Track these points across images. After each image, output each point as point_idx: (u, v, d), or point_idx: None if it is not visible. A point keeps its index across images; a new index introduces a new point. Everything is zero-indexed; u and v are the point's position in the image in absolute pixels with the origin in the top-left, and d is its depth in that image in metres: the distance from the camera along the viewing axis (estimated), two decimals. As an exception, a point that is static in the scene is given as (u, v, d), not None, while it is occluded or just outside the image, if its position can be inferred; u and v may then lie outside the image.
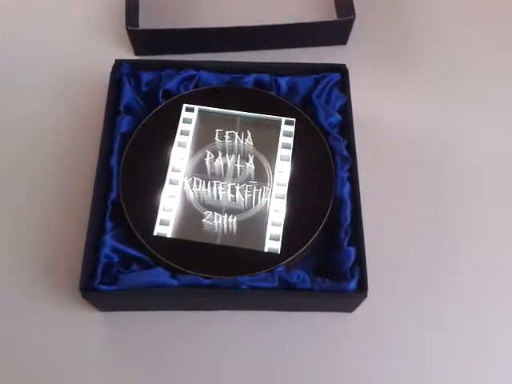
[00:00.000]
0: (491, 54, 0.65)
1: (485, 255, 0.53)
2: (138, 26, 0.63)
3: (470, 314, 0.50)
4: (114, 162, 0.51)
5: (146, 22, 0.65)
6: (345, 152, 0.52)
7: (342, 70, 0.56)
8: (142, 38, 0.62)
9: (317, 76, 0.56)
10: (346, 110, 0.54)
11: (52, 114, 0.59)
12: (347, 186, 0.50)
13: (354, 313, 0.50)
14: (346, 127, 0.53)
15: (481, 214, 0.55)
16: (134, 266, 0.47)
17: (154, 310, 0.49)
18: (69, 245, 0.50)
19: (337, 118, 0.54)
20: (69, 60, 0.63)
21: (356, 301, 0.47)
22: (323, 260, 0.49)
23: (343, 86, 0.55)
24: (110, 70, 0.56)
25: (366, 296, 0.45)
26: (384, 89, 0.62)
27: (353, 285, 0.45)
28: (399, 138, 0.59)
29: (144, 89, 0.56)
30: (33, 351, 0.48)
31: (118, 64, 0.55)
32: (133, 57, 0.64)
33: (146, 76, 0.56)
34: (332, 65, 0.56)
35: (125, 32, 0.60)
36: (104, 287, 0.45)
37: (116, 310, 0.48)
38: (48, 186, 0.54)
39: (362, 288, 0.45)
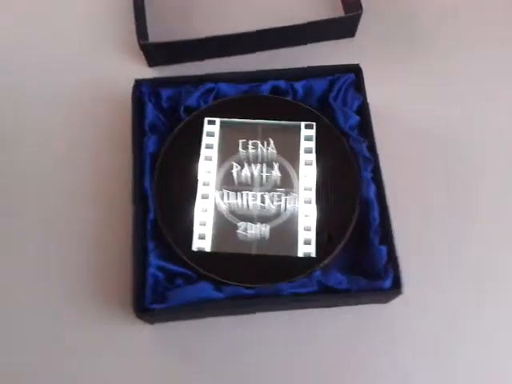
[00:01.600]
0: (504, 37, 0.65)
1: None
2: (147, 37, 0.64)
3: (508, 301, 0.53)
4: (147, 183, 0.53)
5: (153, 31, 0.66)
6: (366, 153, 0.54)
7: (355, 70, 0.57)
8: (154, 51, 0.63)
9: (331, 78, 0.57)
10: (363, 111, 0.56)
11: (72, 135, 0.60)
12: (372, 187, 0.52)
13: (389, 303, 0.53)
14: (365, 128, 0.55)
15: (510, 201, 0.56)
16: (179, 281, 0.50)
17: (200, 318, 0.52)
18: (114, 267, 0.53)
19: (355, 119, 0.55)
20: (81, 78, 0.63)
21: (392, 297, 0.49)
22: (355, 259, 0.52)
23: (358, 85, 0.57)
24: (125, 84, 0.57)
25: (401, 293, 0.48)
26: (396, 79, 0.63)
27: (388, 283, 0.48)
28: (417, 128, 0.60)
29: (165, 105, 0.57)
30: (91, 368, 0.51)
31: (138, 84, 0.56)
32: (146, 68, 0.65)
33: (166, 92, 0.57)
34: (345, 66, 0.57)
35: (135, 43, 0.61)
36: (155, 306, 0.48)
37: (164, 322, 0.51)
38: (87, 211, 0.56)
39: (397, 285, 0.48)
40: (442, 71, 0.64)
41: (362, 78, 0.56)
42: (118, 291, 0.52)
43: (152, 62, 0.64)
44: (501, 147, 0.60)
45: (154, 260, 0.50)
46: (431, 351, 0.52)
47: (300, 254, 0.51)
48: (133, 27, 0.61)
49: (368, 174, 0.53)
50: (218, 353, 0.51)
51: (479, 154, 0.59)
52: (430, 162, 0.58)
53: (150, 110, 0.56)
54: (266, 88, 0.57)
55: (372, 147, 0.54)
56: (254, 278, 0.50)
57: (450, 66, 0.64)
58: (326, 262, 0.51)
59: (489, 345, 0.52)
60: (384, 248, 0.50)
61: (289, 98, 0.58)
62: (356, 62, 0.57)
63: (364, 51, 0.64)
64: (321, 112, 0.57)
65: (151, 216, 0.52)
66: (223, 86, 0.57)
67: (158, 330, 0.52)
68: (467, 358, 0.51)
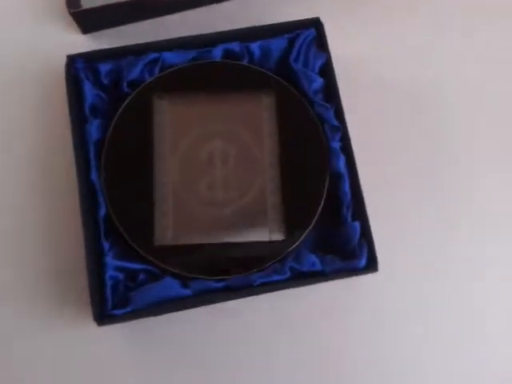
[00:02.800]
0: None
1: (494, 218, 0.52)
2: (79, 3, 0.56)
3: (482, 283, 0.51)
4: (94, 175, 0.48)
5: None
6: (334, 121, 0.49)
7: (316, 24, 0.51)
8: (87, 18, 0.55)
9: (290, 35, 0.51)
10: (327, 71, 0.50)
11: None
12: (342, 159, 0.48)
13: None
14: (330, 91, 0.50)
15: (484, 172, 0.53)
16: (141, 276, 0.47)
17: (166, 314, 0.49)
18: (69, 271, 0.49)
19: (319, 82, 0.50)
20: (3, 55, 0.55)
21: (366, 274, 0.47)
22: (326, 236, 0.49)
23: (320, 42, 0.51)
24: (58, 58, 0.50)
25: (376, 270, 0.46)
26: (359, 30, 0.57)
27: (363, 261, 0.46)
28: (388, 86, 0.55)
29: (105, 82, 0.51)
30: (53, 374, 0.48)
31: (72, 59, 0.49)
32: (80, 36, 0.57)
33: (104, 67, 0.50)
34: (304, 21, 0.51)
35: (64, 10, 0.53)
36: (117, 311, 0.44)
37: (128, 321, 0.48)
38: (31, 213, 0.50)
39: (373, 263, 0.46)
40: (412, 17, 0.57)
41: (324, 33, 0.51)
42: (76, 292, 0.48)
43: (85, 29, 0.57)
44: (482, 103, 0.55)
45: (111, 261, 0.46)
46: (404, 322, 0.50)
47: (269, 238, 0.47)
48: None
49: (336, 144, 0.49)
50: (188, 345, 0.48)
51: (459, 114, 0.54)
52: (403, 125, 0.54)
53: (88, 89, 0.49)
54: (217, 53, 0.51)
55: (339, 113, 0.49)
56: (222, 270, 0.46)
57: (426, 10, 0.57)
58: (297, 243, 0.47)
59: (463, 321, 0.50)
60: (357, 224, 0.47)
61: (244, 63, 0.51)
62: (315, 16, 0.51)
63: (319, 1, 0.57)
64: (281, 76, 0.51)
65: (102, 212, 0.47)
66: (168, 55, 0.51)
67: (123, 329, 0.48)
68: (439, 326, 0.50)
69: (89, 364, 0.48)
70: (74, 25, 0.56)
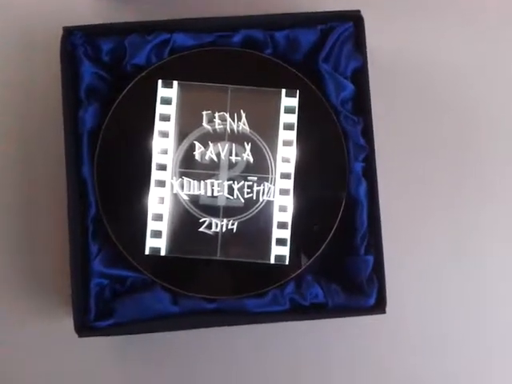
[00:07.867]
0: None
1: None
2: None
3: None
4: (85, 170, 0.43)
5: None
6: (360, 139, 0.43)
7: (356, 19, 0.44)
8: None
9: (323, 27, 0.44)
10: (361, 78, 0.44)
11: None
12: (363, 185, 0.43)
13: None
14: (361, 102, 0.44)
15: None
16: (129, 284, 0.43)
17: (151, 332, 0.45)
18: (54, 274, 0.45)
19: (350, 89, 0.44)
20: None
21: (372, 314, 0.43)
22: (334, 263, 0.45)
23: (358, 41, 0.44)
24: (62, 21, 0.43)
25: (384, 312, 0.42)
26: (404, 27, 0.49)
27: (371, 300, 0.42)
28: (426, 95, 0.48)
29: (105, 59, 0.44)
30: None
31: (68, 33, 0.43)
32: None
33: (106, 45, 0.44)
34: (342, 12, 0.43)
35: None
36: (100, 323, 0.42)
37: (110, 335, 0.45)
38: (13, 208, 0.46)
39: (381, 303, 0.42)
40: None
41: (364, 31, 0.43)
42: (60, 295, 0.45)
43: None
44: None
45: (98, 266, 0.43)
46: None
47: (272, 259, 0.43)
48: None
49: (359, 165, 0.43)
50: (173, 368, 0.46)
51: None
52: (437, 152, 0.48)
53: (86, 68, 0.43)
54: (237, 39, 0.44)
55: (367, 131, 0.43)
56: (216, 289, 0.43)
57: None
58: (301, 270, 0.43)
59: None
60: (370, 258, 0.42)
61: (266, 54, 0.45)
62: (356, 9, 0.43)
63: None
64: (307, 74, 0.44)
65: (93, 211, 0.43)
66: (180, 37, 0.44)
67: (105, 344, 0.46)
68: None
69: (68, 371, 0.46)
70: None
